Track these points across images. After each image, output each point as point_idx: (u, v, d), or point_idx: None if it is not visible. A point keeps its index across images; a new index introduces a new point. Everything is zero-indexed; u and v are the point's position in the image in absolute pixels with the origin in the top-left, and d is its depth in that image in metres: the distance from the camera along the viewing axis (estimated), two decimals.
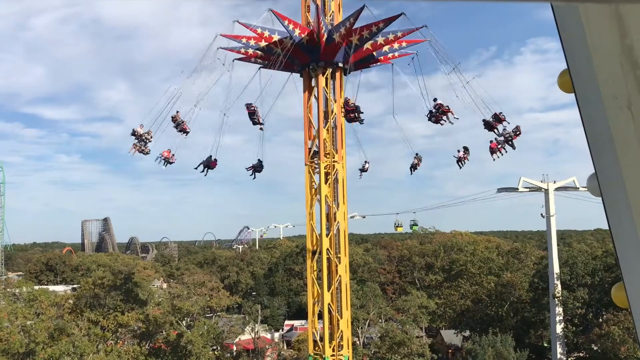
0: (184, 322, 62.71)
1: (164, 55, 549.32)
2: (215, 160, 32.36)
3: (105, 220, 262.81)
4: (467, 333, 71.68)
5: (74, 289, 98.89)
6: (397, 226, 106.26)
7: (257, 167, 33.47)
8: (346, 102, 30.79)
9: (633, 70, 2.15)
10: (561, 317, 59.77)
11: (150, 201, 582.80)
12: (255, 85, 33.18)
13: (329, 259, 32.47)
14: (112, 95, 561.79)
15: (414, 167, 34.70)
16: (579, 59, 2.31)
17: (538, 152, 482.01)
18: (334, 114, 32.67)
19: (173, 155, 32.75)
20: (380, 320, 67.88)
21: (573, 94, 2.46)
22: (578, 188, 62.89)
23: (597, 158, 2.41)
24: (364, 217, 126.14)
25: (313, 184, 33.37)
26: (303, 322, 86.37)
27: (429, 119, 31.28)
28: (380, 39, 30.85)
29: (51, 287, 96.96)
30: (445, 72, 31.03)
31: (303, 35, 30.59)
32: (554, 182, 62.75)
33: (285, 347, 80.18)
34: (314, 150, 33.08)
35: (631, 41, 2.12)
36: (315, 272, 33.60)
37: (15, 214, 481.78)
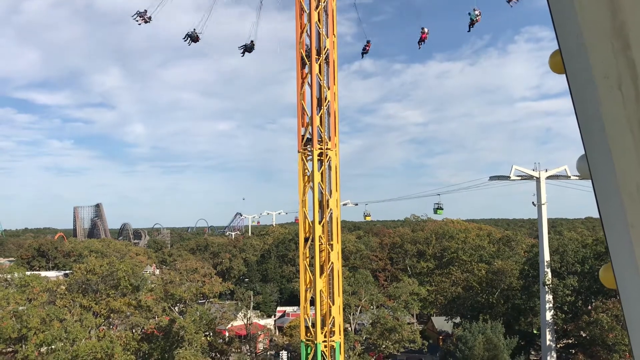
0: (176, 308, 62.89)
1: (158, 41, 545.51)
2: (198, 35, 35.58)
3: (98, 206, 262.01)
4: (458, 320, 72.27)
5: (66, 275, 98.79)
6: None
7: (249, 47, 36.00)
8: None
9: (624, 50, 2.15)
10: (551, 305, 60.32)
11: (143, 187, 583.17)
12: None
13: (321, 246, 32.58)
14: (105, 80, 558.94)
15: (472, 23, 35.36)
16: (570, 38, 2.31)
17: (530, 140, 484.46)
18: (327, 100, 32.59)
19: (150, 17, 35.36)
20: (372, 307, 68.32)
21: (564, 75, 2.46)
22: (569, 176, 63.18)
23: (587, 139, 2.42)
24: (357, 204, 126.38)
25: (306, 171, 33.36)
26: (295, 308, 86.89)
27: None
28: None
29: (43, 273, 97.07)
30: None
31: None
32: (546, 170, 62.97)
33: (277, 333, 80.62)
34: (307, 138, 33.02)
35: (623, 20, 2.13)
36: (307, 259, 33.69)
37: (7, 199, 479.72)
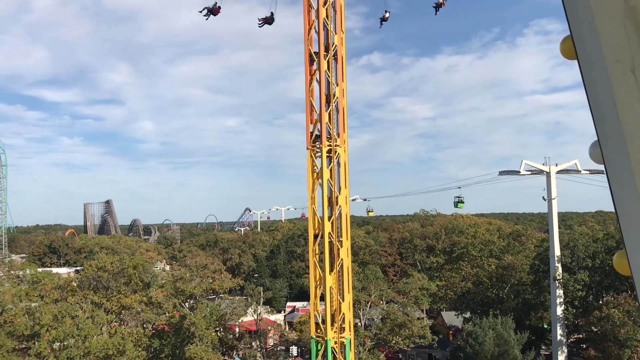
0: (186, 304, 63.20)
1: (166, 37, 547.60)
2: (219, 7, 33.92)
3: (108, 202, 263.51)
4: (468, 315, 72.13)
5: (77, 271, 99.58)
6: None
7: (269, 19, 34.79)
8: None
9: (637, 33, 2.13)
10: (561, 300, 60.07)
11: (152, 183, 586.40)
12: None
13: (330, 243, 32.57)
14: (113, 77, 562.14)
15: (439, 5, 35.19)
16: (582, 22, 2.28)
17: (540, 134, 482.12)
18: (335, 97, 32.50)
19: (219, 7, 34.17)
20: (381, 302, 68.30)
21: (575, 60, 2.45)
22: (580, 171, 62.78)
23: (599, 124, 2.39)
24: (365, 199, 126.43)
25: (315, 167, 33.33)
26: (305, 303, 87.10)
27: None
28: None
29: (54, 269, 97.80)
30: None
31: None
32: (556, 165, 62.59)
33: (287, 328, 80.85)
34: (316, 134, 32.95)
35: (636, 2, 2.11)
36: (317, 256, 33.69)
37: (18, 196, 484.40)
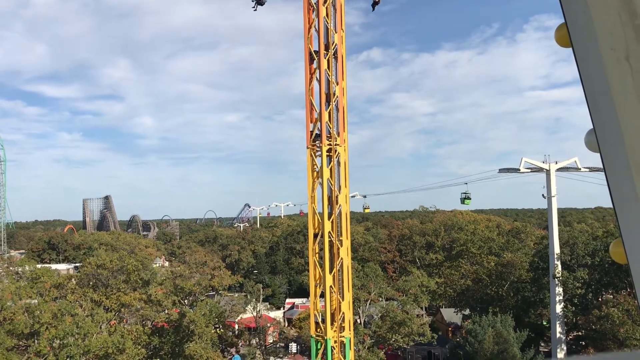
0: (186, 302, 63.24)
1: (166, 33, 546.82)
2: None
3: (107, 198, 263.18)
4: (467, 312, 72.22)
5: (76, 268, 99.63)
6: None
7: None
8: None
9: (631, 21, 2.12)
10: (561, 297, 60.15)
11: (152, 179, 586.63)
12: None
13: (330, 242, 32.50)
14: (113, 73, 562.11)
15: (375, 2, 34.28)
16: (576, 10, 2.28)
17: (540, 130, 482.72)
18: (336, 96, 32.37)
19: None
20: (381, 300, 68.38)
21: (570, 48, 2.44)
22: (579, 168, 62.77)
23: (594, 113, 2.40)
24: (365, 196, 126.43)
25: (315, 167, 33.22)
26: (304, 300, 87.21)
27: None
28: None
29: (53, 266, 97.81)
30: None
31: None
32: (556, 162, 62.53)
33: (286, 325, 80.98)
34: (316, 133, 32.85)
35: None
36: (317, 254, 33.63)
37: (17, 191, 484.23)
